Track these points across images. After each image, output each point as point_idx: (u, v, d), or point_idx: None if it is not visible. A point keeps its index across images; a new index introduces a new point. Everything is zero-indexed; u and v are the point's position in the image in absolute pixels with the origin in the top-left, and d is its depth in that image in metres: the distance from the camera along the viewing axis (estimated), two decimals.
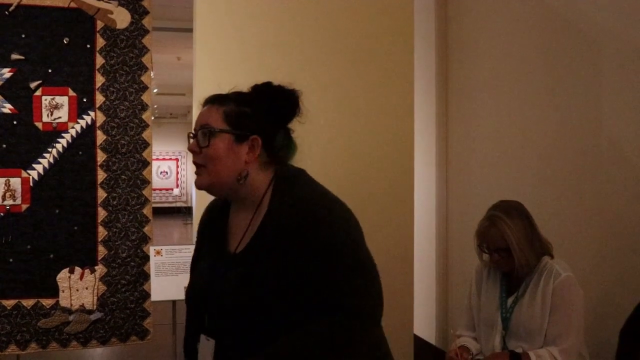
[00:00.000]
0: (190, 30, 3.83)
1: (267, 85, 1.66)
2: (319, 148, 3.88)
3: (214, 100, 1.63)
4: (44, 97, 3.16)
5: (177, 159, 20.78)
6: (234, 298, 1.47)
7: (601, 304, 2.49)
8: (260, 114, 1.59)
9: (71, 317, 3.18)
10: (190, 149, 1.58)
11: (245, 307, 1.45)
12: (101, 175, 3.22)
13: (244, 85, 3.96)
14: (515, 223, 2.31)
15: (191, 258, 1.81)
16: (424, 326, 4.11)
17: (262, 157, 1.58)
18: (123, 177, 3.24)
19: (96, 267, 3.21)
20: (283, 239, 1.46)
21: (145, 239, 3.29)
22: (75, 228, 3.19)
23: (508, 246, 2.29)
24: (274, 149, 1.61)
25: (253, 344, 1.44)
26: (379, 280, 1.51)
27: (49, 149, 3.16)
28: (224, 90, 3.85)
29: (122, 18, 3.24)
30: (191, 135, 1.62)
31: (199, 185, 1.58)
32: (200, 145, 1.56)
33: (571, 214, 2.71)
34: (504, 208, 2.38)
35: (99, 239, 3.22)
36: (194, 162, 1.59)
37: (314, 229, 1.44)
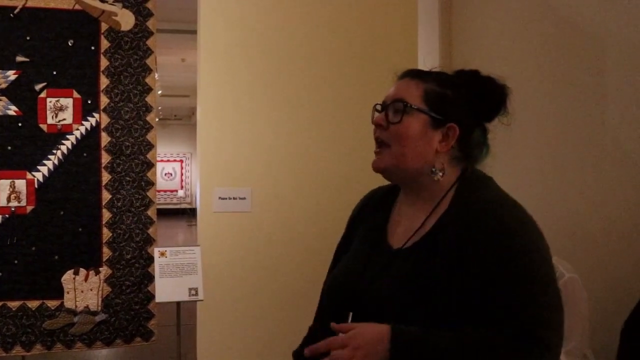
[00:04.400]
0: (195, 32, 3.85)
1: (475, 73, 1.45)
2: (324, 144, 3.88)
3: (414, 75, 1.44)
4: (48, 99, 3.18)
5: (181, 161, 20.80)
6: (396, 294, 1.30)
7: (605, 304, 2.49)
8: (463, 102, 1.40)
9: (76, 319, 3.18)
10: (376, 122, 1.41)
11: (405, 304, 1.27)
12: (106, 177, 3.23)
13: (249, 86, 3.96)
14: None
15: (337, 247, 1.62)
16: None
17: (454, 150, 1.40)
18: (127, 178, 3.25)
19: (101, 269, 3.22)
20: (465, 241, 1.27)
21: (150, 241, 3.29)
22: (80, 229, 3.20)
23: None
24: (469, 145, 1.42)
25: None
26: (563, 314, 1.29)
27: (54, 151, 3.17)
28: (229, 90, 3.85)
29: (126, 20, 3.26)
30: (378, 107, 1.45)
31: (376, 167, 1.41)
32: (390, 120, 1.38)
33: (574, 213, 2.71)
34: None
35: (104, 241, 3.23)
36: (377, 138, 1.42)
37: (504, 236, 1.25)
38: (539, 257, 1.26)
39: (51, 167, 3.17)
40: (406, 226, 1.41)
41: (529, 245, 1.26)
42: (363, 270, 1.38)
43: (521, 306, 1.20)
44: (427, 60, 3.85)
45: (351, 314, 1.33)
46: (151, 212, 3.30)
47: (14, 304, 3.12)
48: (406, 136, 1.37)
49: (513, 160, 3.15)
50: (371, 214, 1.54)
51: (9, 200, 3.13)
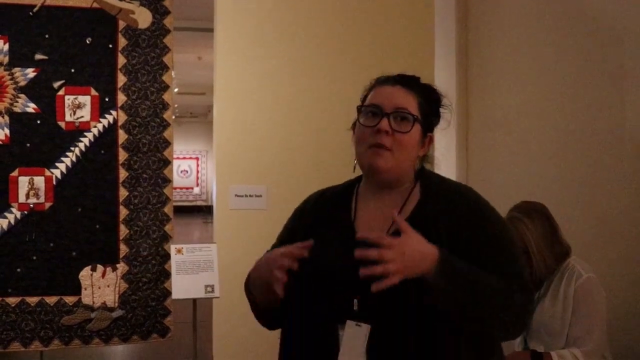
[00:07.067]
0: (211, 30, 3.86)
1: (418, 79, 1.62)
2: (341, 142, 3.87)
3: (404, 84, 1.56)
4: (66, 97, 3.20)
5: (197, 158, 20.91)
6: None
7: (625, 305, 2.46)
8: (433, 115, 1.60)
9: (93, 315, 3.21)
10: (383, 129, 1.49)
11: (408, 282, 1.36)
12: (123, 174, 3.25)
13: (265, 84, 3.95)
14: (535, 225, 2.28)
15: (275, 245, 1.74)
16: None
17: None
18: (144, 175, 3.27)
19: (118, 265, 3.24)
20: (449, 219, 1.45)
21: (166, 238, 3.31)
22: (97, 226, 3.23)
23: (527, 248, 2.27)
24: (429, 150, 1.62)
25: (412, 325, 1.39)
26: None
27: (72, 148, 3.20)
28: (245, 88, 3.84)
29: (143, 18, 3.27)
30: (365, 109, 1.57)
31: (383, 166, 1.50)
32: (396, 128, 1.49)
33: (594, 212, 2.68)
34: (524, 209, 2.35)
35: (121, 237, 3.25)
36: (379, 143, 1.50)
37: (482, 211, 1.49)
38: (508, 226, 1.57)
39: (69, 164, 3.20)
40: (381, 218, 1.52)
41: (500, 216, 1.54)
42: (352, 262, 1.40)
43: (514, 265, 1.45)
44: (444, 60, 3.83)
45: (356, 300, 1.42)
46: (168, 209, 3.32)
47: (32, 300, 3.15)
48: (410, 145, 1.52)
49: (533, 159, 3.13)
50: (331, 213, 1.62)
51: (27, 197, 3.16)
